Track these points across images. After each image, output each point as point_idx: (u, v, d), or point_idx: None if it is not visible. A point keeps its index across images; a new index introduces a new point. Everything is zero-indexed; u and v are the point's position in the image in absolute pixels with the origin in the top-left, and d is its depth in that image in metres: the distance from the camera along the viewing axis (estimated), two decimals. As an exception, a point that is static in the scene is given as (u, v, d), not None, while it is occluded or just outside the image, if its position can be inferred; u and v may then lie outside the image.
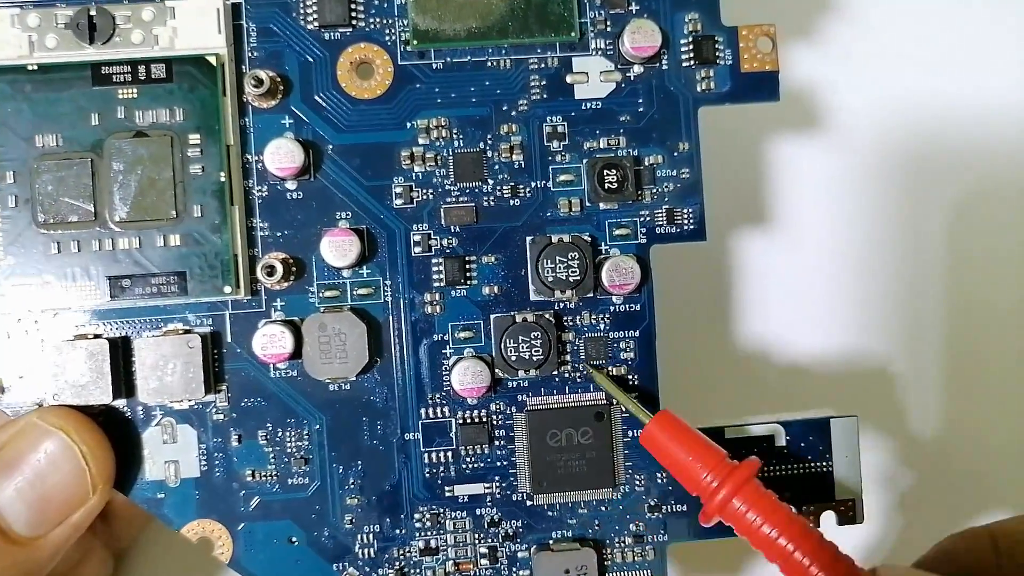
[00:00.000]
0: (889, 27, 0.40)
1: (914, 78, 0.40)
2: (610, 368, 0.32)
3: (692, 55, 0.32)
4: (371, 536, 0.32)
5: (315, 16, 0.31)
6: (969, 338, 0.40)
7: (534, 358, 0.32)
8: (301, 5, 0.32)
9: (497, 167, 0.32)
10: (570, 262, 0.32)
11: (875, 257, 0.40)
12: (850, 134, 0.40)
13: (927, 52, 0.40)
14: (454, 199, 0.32)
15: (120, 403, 0.31)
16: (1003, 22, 0.41)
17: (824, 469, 0.33)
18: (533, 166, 0.32)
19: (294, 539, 0.32)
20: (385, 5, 0.32)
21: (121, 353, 0.31)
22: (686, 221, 0.32)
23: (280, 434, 0.31)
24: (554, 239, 0.32)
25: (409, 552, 0.32)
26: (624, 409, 0.32)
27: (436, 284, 0.32)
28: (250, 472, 0.31)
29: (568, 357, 0.32)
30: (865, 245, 0.40)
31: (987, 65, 0.41)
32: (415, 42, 0.32)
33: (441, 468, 0.32)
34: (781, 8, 0.39)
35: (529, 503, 0.32)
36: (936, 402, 0.40)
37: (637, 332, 0.32)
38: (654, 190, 0.32)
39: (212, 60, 0.30)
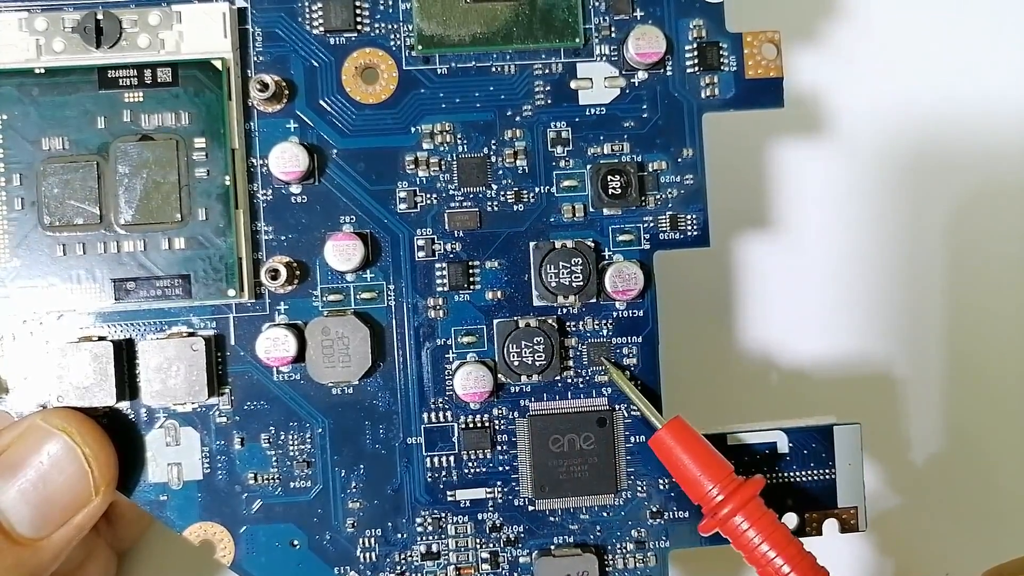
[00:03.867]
0: (893, 32, 0.40)
1: (918, 83, 0.40)
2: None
3: (696, 61, 0.32)
4: (373, 540, 0.32)
5: (320, 21, 0.32)
6: (973, 344, 0.40)
7: (537, 363, 0.32)
8: (307, 10, 0.32)
9: (501, 172, 0.32)
10: (573, 267, 0.32)
11: (879, 262, 0.40)
12: (854, 139, 0.40)
13: (931, 57, 0.40)
14: (458, 204, 0.32)
15: (123, 405, 0.31)
16: (1007, 27, 0.41)
17: (827, 476, 0.33)
18: (537, 171, 0.32)
19: (296, 542, 0.32)
20: (390, 10, 0.32)
21: (125, 355, 0.31)
22: (690, 227, 0.32)
23: (283, 437, 0.32)
24: (557, 244, 0.32)
25: (411, 556, 0.32)
26: (627, 414, 0.32)
27: (439, 289, 0.32)
28: (252, 475, 0.31)
29: (571, 363, 0.32)
30: (869, 250, 0.40)
31: (992, 70, 0.40)
32: (420, 47, 0.32)
33: (443, 472, 0.32)
34: (785, 14, 0.39)
35: (531, 508, 0.32)
36: (940, 408, 0.40)
37: (640, 338, 0.32)
38: (658, 196, 0.32)
39: (218, 64, 0.31)
